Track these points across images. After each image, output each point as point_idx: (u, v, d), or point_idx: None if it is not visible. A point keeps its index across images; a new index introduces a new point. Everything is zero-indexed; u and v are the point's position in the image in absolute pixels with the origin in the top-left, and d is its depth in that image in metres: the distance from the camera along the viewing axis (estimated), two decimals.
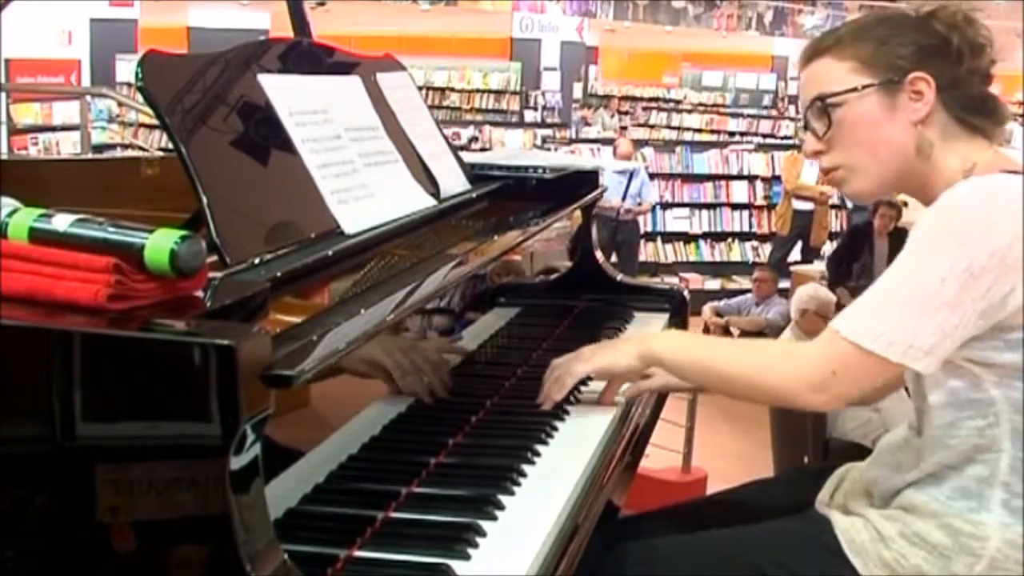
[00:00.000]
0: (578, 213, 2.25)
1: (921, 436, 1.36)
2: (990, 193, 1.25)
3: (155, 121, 1.42)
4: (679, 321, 2.20)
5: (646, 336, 1.54)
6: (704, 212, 9.50)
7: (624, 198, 7.95)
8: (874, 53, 1.38)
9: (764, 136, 14.54)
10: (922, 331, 1.23)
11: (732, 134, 15.42)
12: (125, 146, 9.16)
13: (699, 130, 16.16)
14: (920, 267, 1.24)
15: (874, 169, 1.41)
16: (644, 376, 1.59)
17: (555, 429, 1.49)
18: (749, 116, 16.43)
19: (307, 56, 1.66)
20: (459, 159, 1.95)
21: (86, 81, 10.25)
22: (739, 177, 9.49)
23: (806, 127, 1.44)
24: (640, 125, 15.88)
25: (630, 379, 1.58)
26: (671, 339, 1.50)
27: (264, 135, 1.43)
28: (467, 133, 11.52)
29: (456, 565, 1.10)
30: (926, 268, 1.24)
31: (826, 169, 1.45)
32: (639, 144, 9.52)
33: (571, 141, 10.86)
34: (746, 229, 9.47)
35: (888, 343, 1.24)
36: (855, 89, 1.38)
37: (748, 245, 9.45)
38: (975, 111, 1.39)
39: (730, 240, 9.48)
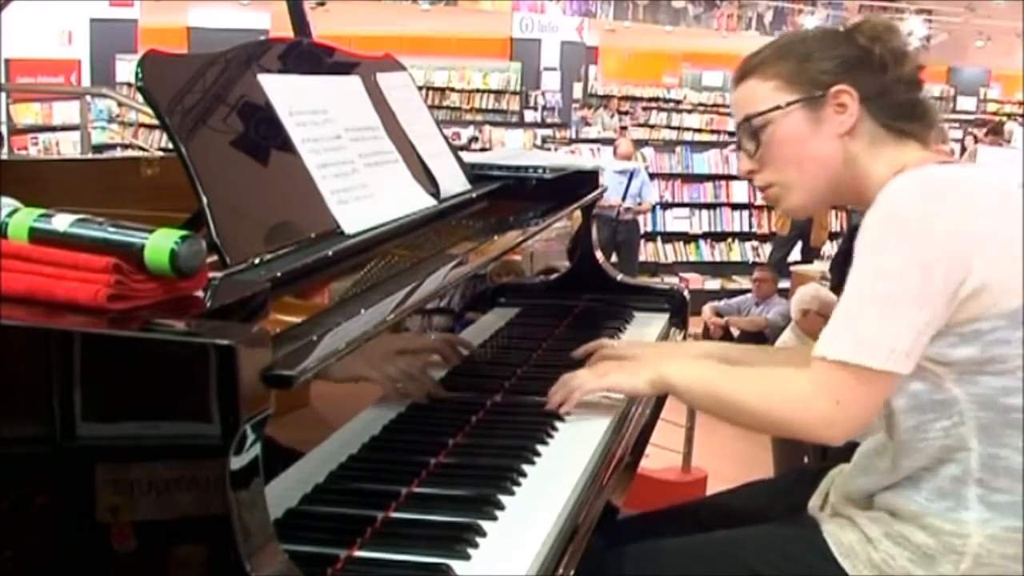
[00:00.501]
0: (578, 213, 2.25)
1: (892, 441, 1.36)
2: (924, 183, 1.28)
3: (155, 121, 1.42)
4: (679, 321, 2.20)
5: (661, 360, 1.51)
6: (704, 212, 9.50)
7: (624, 198, 7.95)
8: (796, 70, 1.41)
9: None
10: (897, 332, 1.24)
11: (732, 134, 15.37)
12: (125, 146, 9.16)
13: (699, 130, 16.16)
14: (876, 270, 1.26)
15: (805, 185, 1.44)
16: None
17: (555, 429, 1.49)
18: None
19: (307, 56, 1.66)
20: (459, 159, 1.95)
21: (86, 81, 10.25)
22: (739, 177, 9.45)
23: (739, 147, 1.47)
24: (640, 125, 15.88)
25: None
26: (685, 369, 1.47)
27: (264, 135, 1.43)
28: (467, 133, 11.51)
29: (456, 565, 1.10)
30: (881, 269, 1.25)
31: (760, 187, 1.48)
32: (639, 144, 9.52)
33: (571, 141, 10.86)
34: (746, 229, 9.47)
35: (870, 349, 1.24)
36: (779, 107, 1.40)
37: (748, 245, 9.45)
38: (902, 117, 1.40)
39: (730, 240, 9.48)
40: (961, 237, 1.24)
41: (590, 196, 2.24)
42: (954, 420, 1.29)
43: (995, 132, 10.88)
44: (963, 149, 11.10)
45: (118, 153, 8.06)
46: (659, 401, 1.81)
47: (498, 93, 15.82)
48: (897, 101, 1.40)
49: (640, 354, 1.65)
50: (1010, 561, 1.29)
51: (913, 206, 1.25)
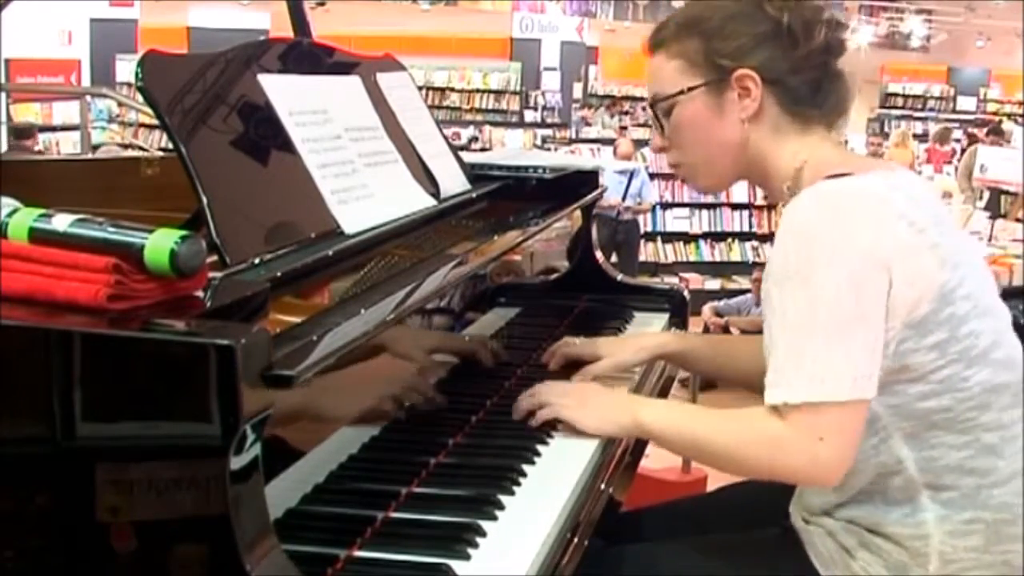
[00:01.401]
0: (578, 213, 2.25)
1: None
2: (829, 203, 1.25)
3: (155, 121, 1.41)
4: (679, 321, 2.20)
5: (636, 404, 1.46)
6: (704, 212, 9.49)
7: (624, 198, 7.95)
8: (701, 50, 1.38)
9: None
10: (851, 357, 1.21)
11: None
12: (124, 146, 9.16)
13: None
14: (808, 300, 1.21)
15: (710, 167, 1.45)
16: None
17: (555, 429, 1.49)
18: None
19: (307, 56, 1.66)
20: (459, 159, 1.95)
21: (86, 81, 10.27)
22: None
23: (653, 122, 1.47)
24: (640, 125, 15.86)
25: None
26: (661, 414, 1.42)
27: (264, 135, 1.43)
28: (467, 133, 11.53)
29: (456, 565, 1.10)
30: (814, 298, 1.21)
31: (671, 164, 1.48)
32: (639, 144, 9.52)
33: (571, 141, 10.88)
34: (746, 229, 9.46)
35: (833, 383, 1.21)
36: (682, 92, 1.39)
37: (748, 245, 9.45)
38: (805, 102, 1.37)
39: (730, 240, 9.48)
40: (878, 249, 1.22)
41: (590, 196, 2.23)
42: (880, 436, 1.29)
43: (996, 133, 10.88)
44: (963, 150, 11.12)
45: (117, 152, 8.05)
46: None
47: (498, 93, 15.84)
48: (803, 82, 1.36)
49: (601, 350, 1.67)
50: (978, 553, 1.29)
51: (829, 228, 1.23)
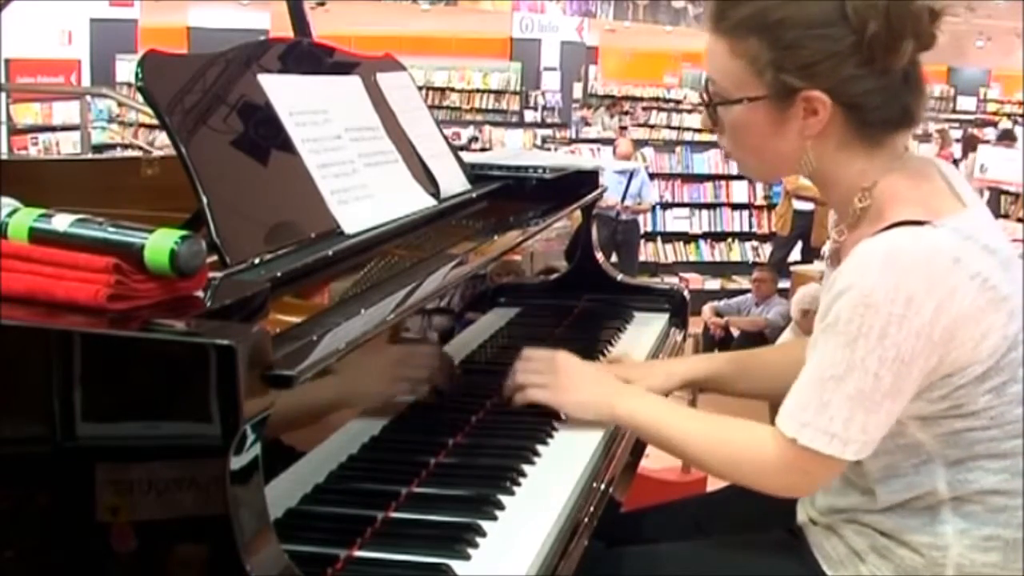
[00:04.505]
0: (578, 213, 2.25)
1: (864, 478, 1.34)
2: (899, 267, 1.17)
3: (155, 121, 1.41)
4: (679, 321, 2.20)
5: (616, 395, 1.45)
6: (704, 212, 9.50)
7: (624, 198, 7.96)
8: (768, 60, 1.25)
9: None
10: (870, 426, 1.21)
11: None
12: (125, 146, 9.16)
13: (699, 130, 16.09)
14: (850, 363, 1.19)
15: (762, 168, 1.41)
16: None
17: (555, 429, 1.49)
18: None
19: (307, 56, 1.66)
20: (459, 159, 1.95)
21: (86, 81, 10.26)
22: (739, 177, 9.49)
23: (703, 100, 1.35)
24: (640, 125, 15.88)
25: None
26: (639, 408, 1.41)
27: (264, 135, 1.43)
28: (467, 133, 11.52)
29: (456, 565, 1.10)
30: (855, 364, 1.19)
31: (722, 147, 1.40)
32: (639, 144, 9.53)
33: (571, 141, 10.87)
34: (746, 229, 9.48)
35: (842, 444, 1.22)
36: (741, 101, 1.28)
37: (748, 245, 9.46)
38: (879, 122, 1.27)
39: (730, 240, 9.48)
40: (938, 329, 1.17)
41: (590, 196, 2.23)
42: (922, 459, 1.29)
43: (1008, 137, 10.83)
44: (964, 154, 11.11)
45: (118, 153, 8.06)
46: None
47: (498, 93, 15.84)
48: (879, 101, 1.26)
49: (629, 374, 1.60)
50: (995, 569, 1.29)
51: (888, 298, 1.16)
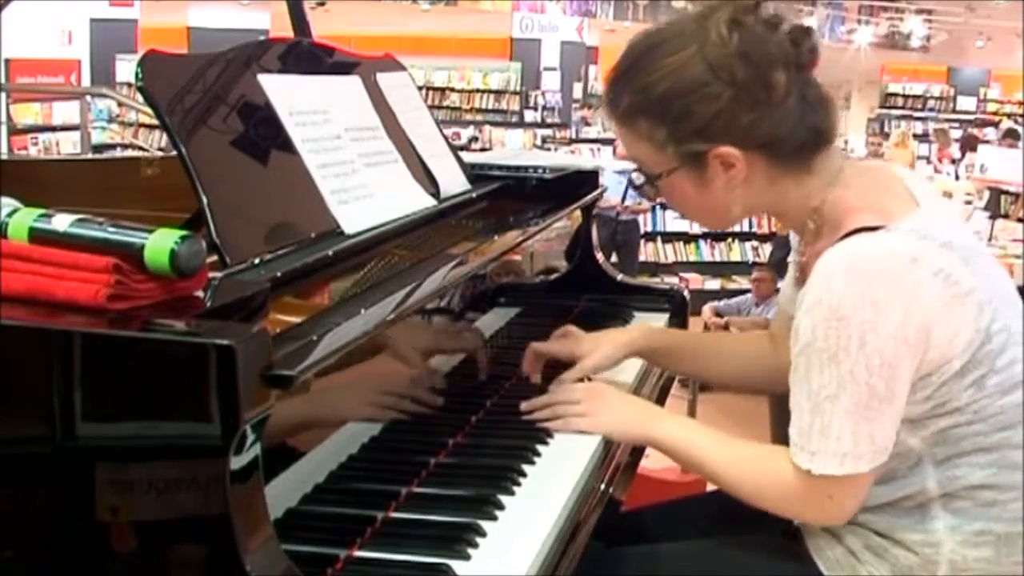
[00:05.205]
0: (578, 213, 2.25)
1: None
2: (860, 274, 1.19)
3: (155, 121, 1.41)
4: (679, 321, 2.20)
5: (651, 419, 1.45)
6: None
7: (624, 198, 7.94)
8: (667, 136, 1.29)
9: None
10: (877, 434, 1.22)
11: None
12: (125, 146, 9.16)
13: None
14: (839, 380, 1.20)
15: (713, 221, 1.42)
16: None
17: (555, 429, 1.49)
18: None
19: (307, 56, 1.66)
20: (459, 159, 1.95)
21: (86, 81, 10.26)
22: None
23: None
24: None
25: None
26: (675, 433, 1.40)
27: (264, 135, 1.43)
28: (467, 133, 11.53)
29: (456, 565, 1.10)
30: (844, 379, 1.20)
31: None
32: None
33: (571, 141, 10.88)
34: (746, 229, 9.46)
35: (855, 459, 1.22)
36: (659, 175, 1.33)
37: (748, 245, 9.44)
38: (796, 150, 1.29)
39: (730, 240, 9.47)
40: (911, 329, 1.19)
41: (590, 196, 2.23)
42: (914, 460, 1.29)
43: (1012, 136, 10.83)
44: (963, 153, 11.11)
45: (118, 153, 8.06)
46: (659, 400, 1.82)
47: (498, 93, 15.82)
48: (786, 131, 1.27)
49: (578, 350, 1.62)
50: (988, 564, 1.29)
51: (860, 307, 1.18)
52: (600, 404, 1.49)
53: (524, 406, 1.52)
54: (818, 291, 1.21)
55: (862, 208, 1.28)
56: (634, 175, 1.38)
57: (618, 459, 1.49)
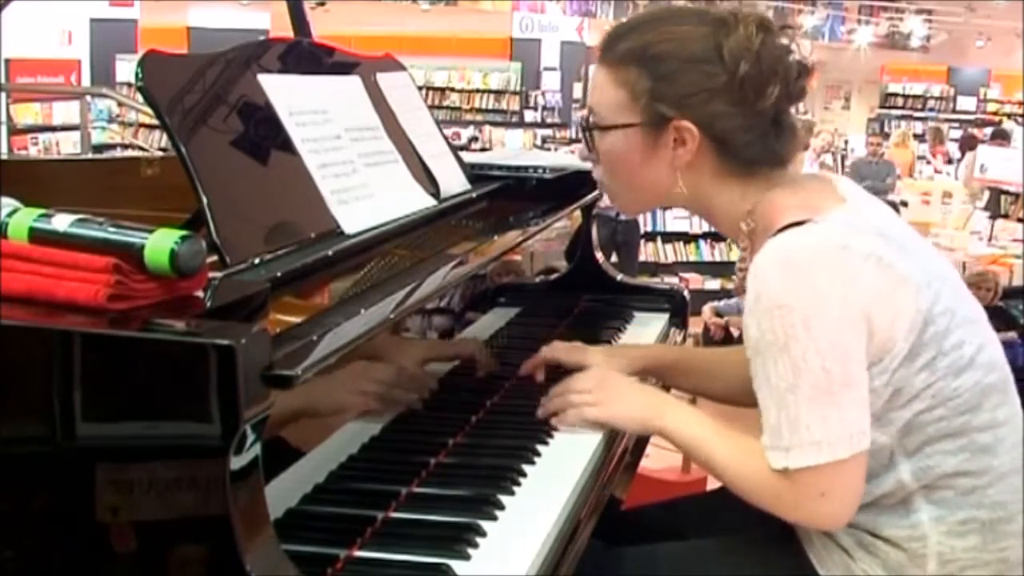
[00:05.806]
0: (578, 213, 2.25)
1: None
2: (794, 266, 1.22)
3: (155, 121, 1.41)
4: (679, 321, 2.20)
5: (664, 407, 1.44)
6: None
7: None
8: (648, 89, 1.33)
9: None
10: (846, 418, 1.22)
11: None
12: (125, 146, 9.16)
13: None
14: (793, 370, 1.21)
15: (632, 197, 1.45)
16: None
17: (555, 429, 1.49)
18: None
19: (307, 56, 1.67)
20: (459, 159, 1.95)
21: (86, 81, 10.25)
22: None
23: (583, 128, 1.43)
24: None
25: None
26: (686, 422, 1.40)
27: (264, 135, 1.43)
28: (467, 133, 11.53)
29: (456, 565, 1.10)
30: (799, 367, 1.21)
31: (595, 179, 1.49)
32: None
33: (571, 141, 10.86)
34: None
35: (830, 446, 1.22)
36: (616, 126, 1.36)
37: None
38: (747, 158, 1.34)
39: (730, 240, 9.47)
40: (852, 304, 1.21)
41: (590, 196, 2.23)
42: (886, 456, 1.29)
43: (1001, 136, 10.86)
44: (962, 153, 11.11)
45: (118, 153, 8.06)
46: None
47: (498, 93, 15.81)
48: (748, 139, 1.33)
49: (589, 360, 1.60)
50: (976, 552, 1.30)
51: (798, 294, 1.21)
52: (611, 393, 1.49)
53: (541, 404, 1.51)
54: (756, 289, 1.25)
55: (791, 207, 1.31)
56: (589, 116, 1.40)
57: (618, 459, 1.49)
